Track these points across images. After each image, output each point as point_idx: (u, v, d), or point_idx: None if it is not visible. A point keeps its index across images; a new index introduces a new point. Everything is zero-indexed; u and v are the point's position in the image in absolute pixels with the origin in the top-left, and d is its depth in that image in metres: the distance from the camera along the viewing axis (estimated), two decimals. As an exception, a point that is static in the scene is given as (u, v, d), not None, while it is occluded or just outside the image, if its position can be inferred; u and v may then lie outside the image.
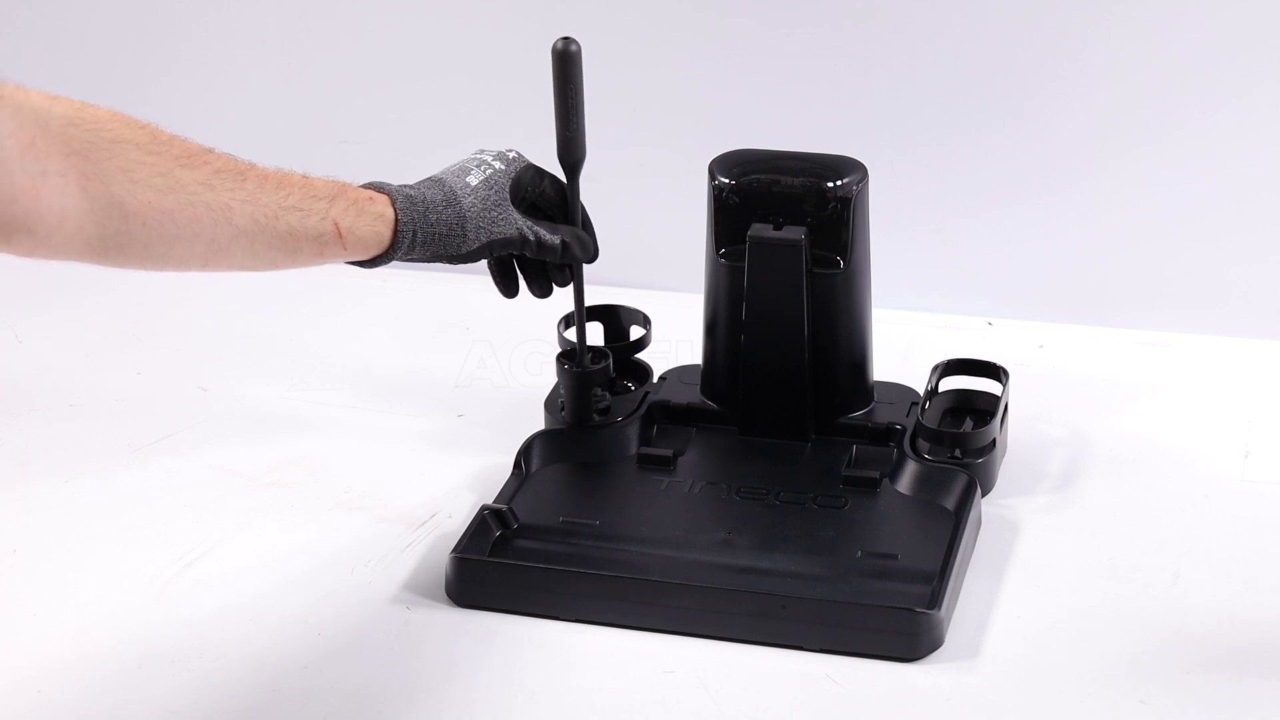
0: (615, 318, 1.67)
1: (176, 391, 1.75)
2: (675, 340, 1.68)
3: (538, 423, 1.62)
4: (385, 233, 1.38)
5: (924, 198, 1.86)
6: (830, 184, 1.53)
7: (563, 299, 1.65)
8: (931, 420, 1.57)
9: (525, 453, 1.55)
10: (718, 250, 1.56)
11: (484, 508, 1.48)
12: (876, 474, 1.53)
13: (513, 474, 1.54)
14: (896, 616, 1.36)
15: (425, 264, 1.45)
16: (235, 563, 1.48)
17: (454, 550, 1.44)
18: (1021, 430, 1.61)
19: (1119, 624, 1.38)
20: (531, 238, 1.46)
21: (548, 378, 1.63)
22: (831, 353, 1.57)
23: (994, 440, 1.54)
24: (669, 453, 1.57)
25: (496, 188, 1.45)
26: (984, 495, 1.52)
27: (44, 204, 1.19)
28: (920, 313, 1.84)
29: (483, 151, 1.47)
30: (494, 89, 1.93)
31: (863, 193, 1.54)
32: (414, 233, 1.40)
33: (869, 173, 1.55)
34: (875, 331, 1.60)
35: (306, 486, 1.59)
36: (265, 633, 1.40)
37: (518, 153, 1.48)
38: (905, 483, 1.52)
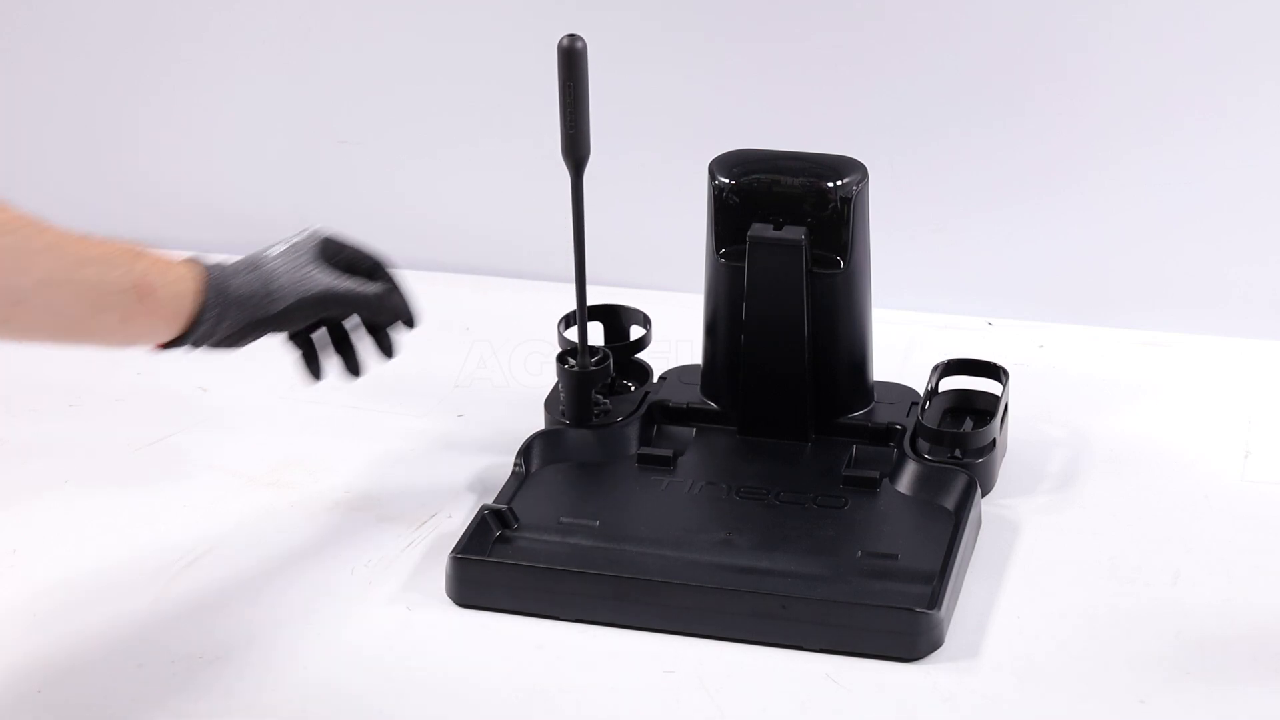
0: (615, 318, 1.67)
1: (176, 391, 1.75)
2: (675, 340, 1.68)
3: (538, 423, 1.62)
4: (188, 293, 1.32)
5: (924, 198, 1.86)
6: (830, 184, 1.53)
7: (563, 300, 1.65)
8: (931, 420, 1.57)
9: (525, 453, 1.55)
10: (718, 250, 1.56)
11: (484, 508, 1.48)
12: (876, 474, 1.53)
13: (513, 474, 1.54)
14: (896, 616, 1.36)
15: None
16: (235, 563, 1.48)
17: (454, 550, 1.44)
18: (1021, 430, 1.61)
19: (1119, 624, 1.38)
20: (343, 289, 1.42)
21: (548, 378, 1.63)
22: (831, 353, 1.57)
23: (994, 440, 1.54)
24: (669, 453, 1.57)
25: (300, 250, 1.42)
26: (984, 495, 1.52)
27: None
28: (920, 313, 1.84)
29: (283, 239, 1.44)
30: (495, 89, 1.93)
31: (863, 193, 1.54)
32: (221, 293, 1.34)
33: (869, 173, 1.55)
34: (875, 331, 1.60)
35: (306, 486, 1.59)
36: (265, 633, 1.40)
37: (317, 228, 1.45)
38: (905, 483, 1.52)
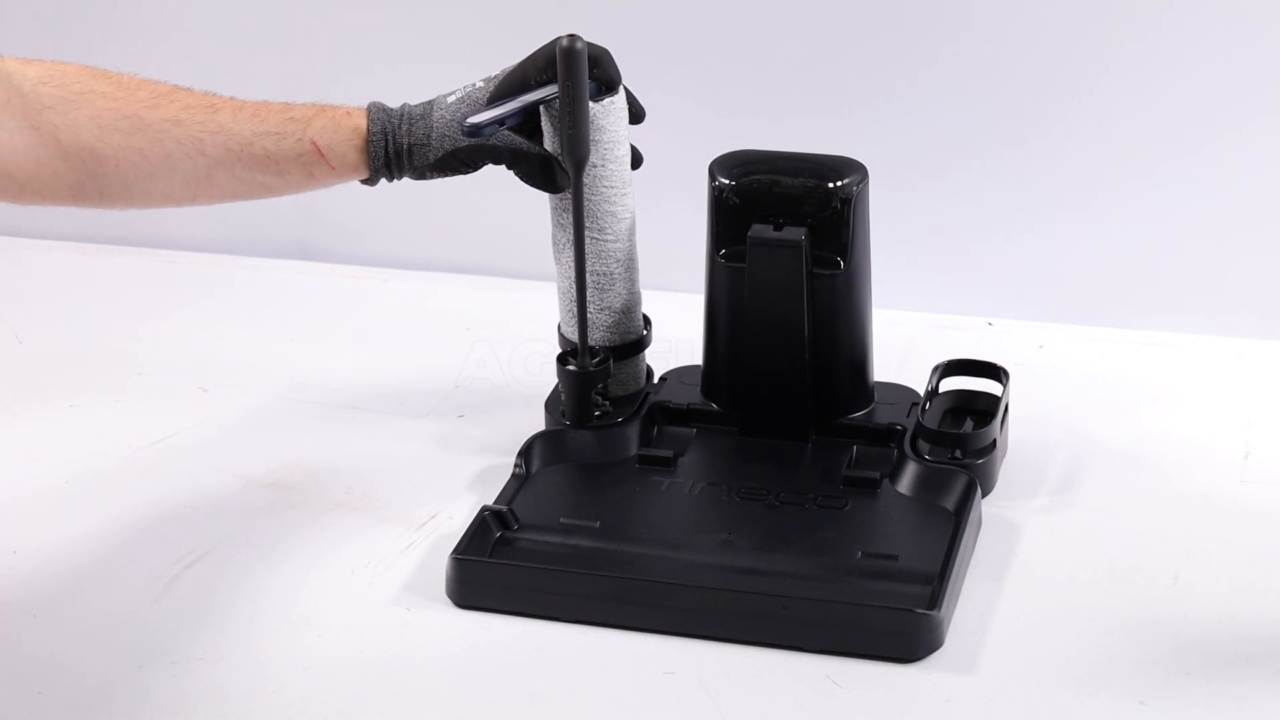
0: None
1: (176, 391, 1.75)
2: (675, 340, 1.68)
3: (538, 423, 1.62)
4: (361, 146, 1.46)
5: (924, 198, 1.86)
6: (830, 184, 1.53)
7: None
8: (932, 421, 1.57)
9: (525, 453, 1.55)
10: (718, 250, 1.56)
11: (484, 508, 1.48)
12: (877, 475, 1.53)
13: (513, 475, 1.54)
14: (896, 617, 1.36)
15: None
16: (235, 563, 1.48)
17: (454, 551, 1.44)
18: (1022, 431, 1.61)
19: (1119, 624, 1.38)
20: (502, 146, 1.48)
21: (548, 378, 1.63)
22: (831, 353, 1.57)
23: (994, 441, 1.54)
24: (669, 454, 1.57)
25: (470, 101, 1.49)
26: (984, 496, 1.52)
27: (21, 154, 1.34)
28: (920, 313, 1.84)
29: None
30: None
31: (863, 193, 1.54)
32: (386, 141, 1.46)
33: (869, 173, 1.55)
34: (875, 331, 1.60)
35: (306, 486, 1.59)
36: (265, 632, 1.40)
37: (502, 70, 1.52)
38: (905, 483, 1.52)
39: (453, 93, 1.51)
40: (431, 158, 1.48)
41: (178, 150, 1.40)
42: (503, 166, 1.51)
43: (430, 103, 1.50)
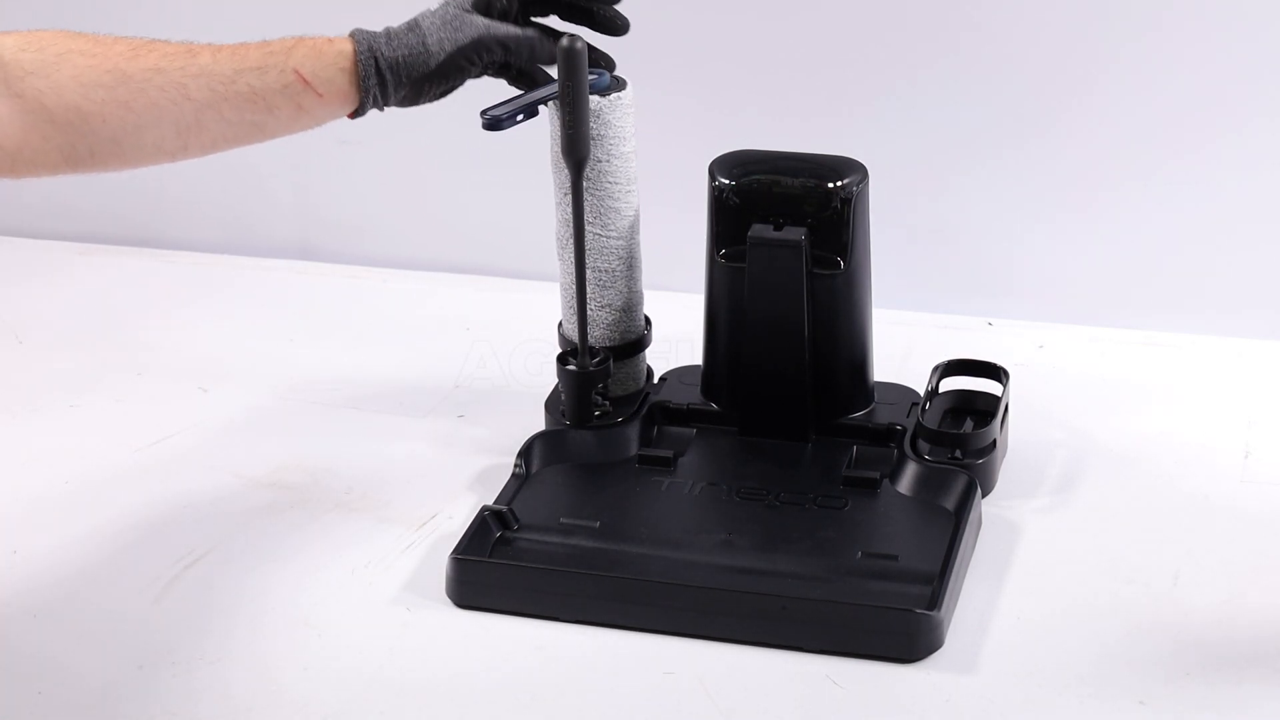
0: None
1: (176, 391, 1.75)
2: (675, 340, 1.68)
3: (538, 423, 1.62)
4: (348, 69, 1.43)
5: (924, 198, 1.86)
6: (830, 184, 1.53)
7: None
8: (932, 421, 1.57)
9: (526, 453, 1.55)
10: (718, 250, 1.56)
11: (484, 508, 1.48)
12: (877, 475, 1.53)
13: (513, 475, 1.54)
14: (896, 617, 1.36)
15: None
16: (235, 563, 1.48)
17: (454, 551, 1.44)
18: (1022, 431, 1.61)
19: (1119, 624, 1.38)
20: (498, 32, 1.47)
21: (548, 378, 1.63)
22: (831, 353, 1.57)
23: (994, 441, 1.54)
24: (669, 454, 1.57)
25: (453, 4, 1.48)
26: (984, 496, 1.52)
27: (7, 123, 1.33)
28: (920, 313, 1.84)
29: None
30: (496, 88, 1.93)
31: (863, 193, 1.54)
32: (375, 60, 1.43)
33: (869, 173, 1.55)
34: (875, 331, 1.60)
35: (306, 487, 1.59)
36: (265, 633, 1.40)
37: None
38: (905, 483, 1.52)
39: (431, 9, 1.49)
40: (432, 64, 1.45)
41: (162, 98, 1.38)
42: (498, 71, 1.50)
43: (412, 20, 1.47)
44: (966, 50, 1.81)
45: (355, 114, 1.46)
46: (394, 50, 1.44)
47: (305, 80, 1.41)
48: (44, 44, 1.37)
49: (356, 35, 1.44)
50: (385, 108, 1.46)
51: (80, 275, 2.02)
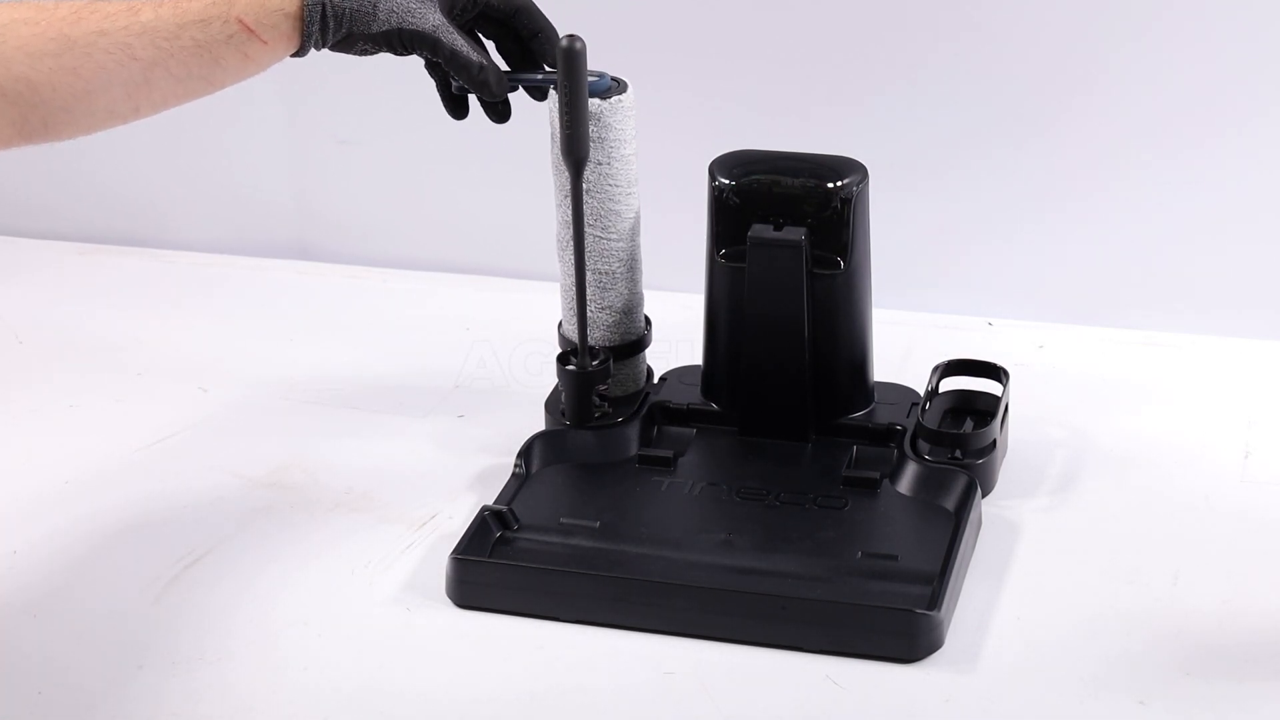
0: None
1: (176, 391, 1.75)
2: (675, 340, 1.68)
3: (538, 423, 1.61)
4: (293, 13, 1.42)
5: (924, 198, 1.86)
6: (831, 184, 1.53)
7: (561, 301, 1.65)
8: (932, 421, 1.57)
9: (526, 453, 1.55)
10: (718, 250, 1.56)
11: (484, 509, 1.48)
12: (877, 475, 1.53)
13: (513, 475, 1.54)
14: (896, 617, 1.36)
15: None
16: (235, 563, 1.48)
17: (454, 551, 1.44)
18: (1022, 431, 1.61)
19: (1119, 624, 1.38)
20: (446, 42, 1.46)
21: (548, 378, 1.63)
22: (831, 353, 1.57)
23: (994, 441, 1.54)
24: (669, 454, 1.57)
25: None
26: (984, 496, 1.52)
27: None
28: (920, 313, 1.84)
29: None
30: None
31: (863, 193, 1.54)
32: (323, 7, 1.42)
33: (869, 173, 1.55)
34: (875, 331, 1.60)
35: (306, 487, 1.59)
36: (265, 633, 1.40)
37: None
38: (905, 483, 1.52)
39: None
40: (375, 28, 1.45)
41: (109, 60, 1.36)
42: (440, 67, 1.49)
43: None
44: (966, 50, 1.81)
45: (298, 54, 1.45)
46: (343, 1, 1.44)
47: (249, 28, 1.40)
48: None
49: None
50: (322, 50, 1.46)
51: (80, 275, 2.02)
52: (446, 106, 1.55)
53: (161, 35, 1.38)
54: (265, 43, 1.41)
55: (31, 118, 1.35)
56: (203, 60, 1.39)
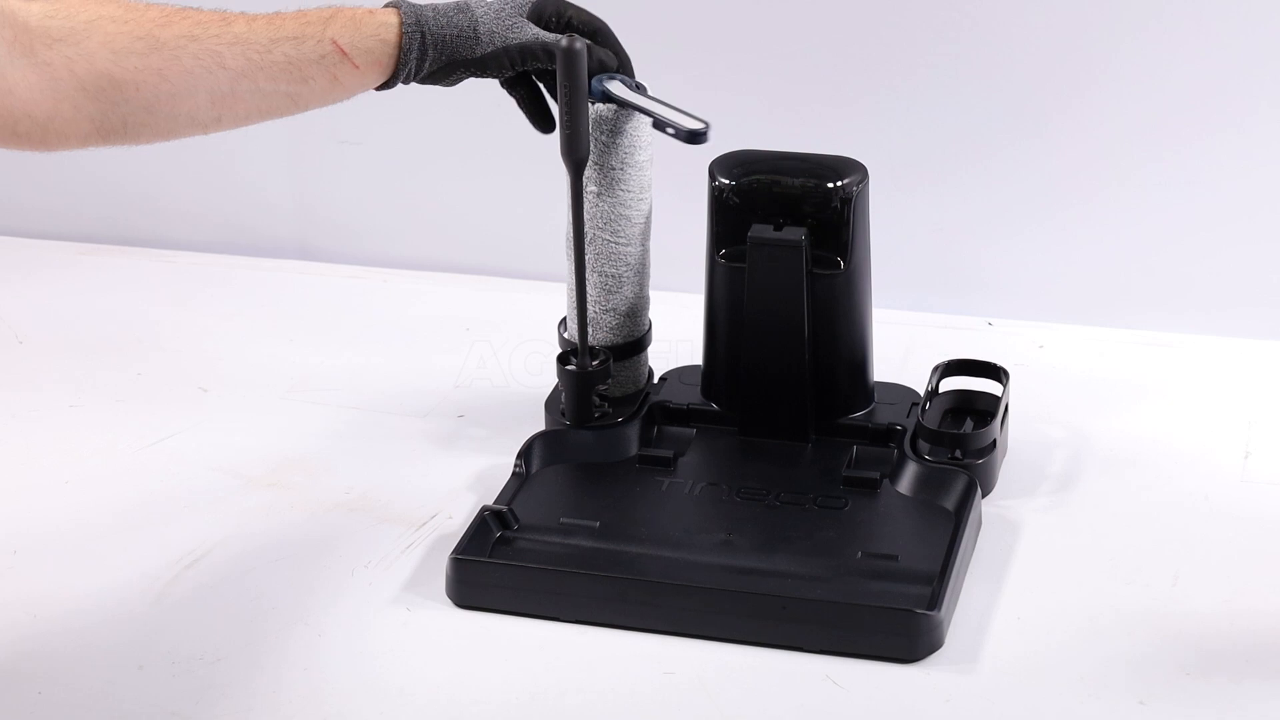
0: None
1: (176, 391, 1.75)
2: (675, 340, 1.68)
3: (538, 423, 1.61)
4: (391, 40, 1.41)
5: (924, 198, 1.86)
6: (831, 184, 1.53)
7: (563, 300, 1.65)
8: (932, 421, 1.57)
9: (525, 453, 1.55)
10: (718, 250, 1.56)
11: (484, 508, 1.48)
12: (877, 475, 1.53)
13: (513, 475, 1.54)
14: (896, 617, 1.36)
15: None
16: (235, 563, 1.48)
17: (454, 551, 1.44)
18: (1022, 431, 1.61)
19: (1119, 624, 1.38)
20: (548, 40, 1.46)
21: (548, 378, 1.63)
22: (831, 353, 1.57)
23: (994, 441, 1.54)
24: (669, 454, 1.57)
25: (512, 3, 1.47)
26: (984, 496, 1.52)
27: (37, 91, 1.29)
28: (920, 313, 1.84)
29: None
30: (495, 88, 1.93)
31: (863, 193, 1.54)
32: (422, 35, 1.42)
33: (869, 173, 1.55)
34: (875, 331, 1.60)
35: (306, 487, 1.58)
36: (265, 633, 1.40)
37: None
38: (905, 483, 1.52)
39: None
40: (479, 51, 1.44)
41: (197, 66, 1.34)
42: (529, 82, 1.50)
43: (461, 1, 1.47)
44: (966, 50, 1.81)
45: (383, 87, 1.44)
46: (442, 28, 1.43)
47: (343, 51, 1.39)
48: (72, 10, 1.32)
49: (401, 6, 1.43)
50: (411, 82, 1.45)
51: (80, 275, 2.02)
52: (534, 122, 1.53)
53: (253, 48, 1.36)
54: (357, 67, 1.40)
55: (112, 115, 1.33)
56: (291, 77, 1.38)
